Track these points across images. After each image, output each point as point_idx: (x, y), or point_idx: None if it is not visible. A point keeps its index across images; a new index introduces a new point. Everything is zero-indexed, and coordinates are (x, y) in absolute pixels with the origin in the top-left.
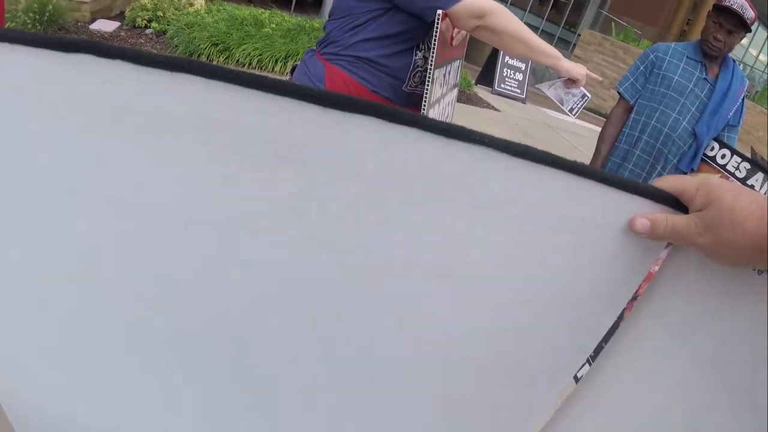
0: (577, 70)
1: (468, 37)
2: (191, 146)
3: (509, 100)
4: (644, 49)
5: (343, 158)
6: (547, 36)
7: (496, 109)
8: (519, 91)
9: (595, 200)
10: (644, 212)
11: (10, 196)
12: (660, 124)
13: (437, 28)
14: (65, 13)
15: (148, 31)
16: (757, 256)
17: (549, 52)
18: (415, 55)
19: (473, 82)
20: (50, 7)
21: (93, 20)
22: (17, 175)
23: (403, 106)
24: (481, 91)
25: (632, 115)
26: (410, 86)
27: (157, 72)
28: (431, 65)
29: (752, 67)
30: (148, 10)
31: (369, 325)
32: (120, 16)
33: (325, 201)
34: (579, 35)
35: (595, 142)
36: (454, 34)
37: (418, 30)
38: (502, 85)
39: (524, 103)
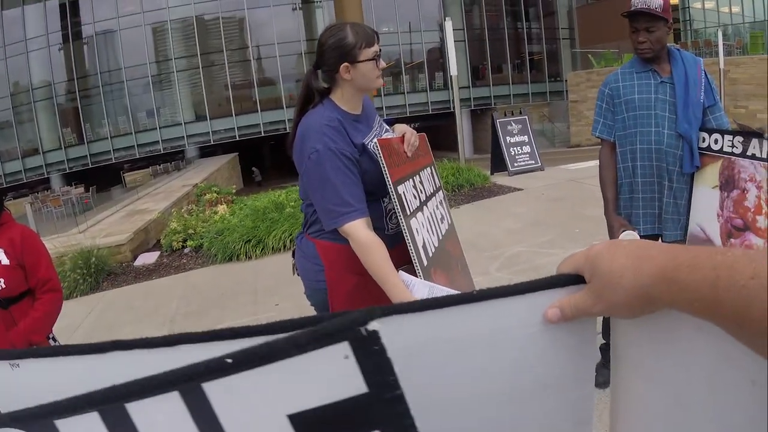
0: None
1: (426, 142)
2: None
3: (528, 173)
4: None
5: None
6: (539, 96)
7: (519, 189)
8: (533, 161)
9: (513, 312)
10: (553, 301)
11: None
12: (645, 144)
13: (380, 155)
14: (108, 259)
15: (186, 250)
16: (647, 305)
17: (389, 286)
18: (383, 203)
19: (488, 174)
20: (93, 258)
21: (135, 257)
22: None
23: (392, 248)
24: (499, 178)
25: (618, 150)
26: (391, 229)
27: None
28: (389, 184)
29: (731, 24)
30: (179, 232)
31: None
32: (157, 245)
33: None
34: (566, 81)
35: None
36: (406, 149)
37: (370, 185)
38: (515, 164)
39: (543, 170)
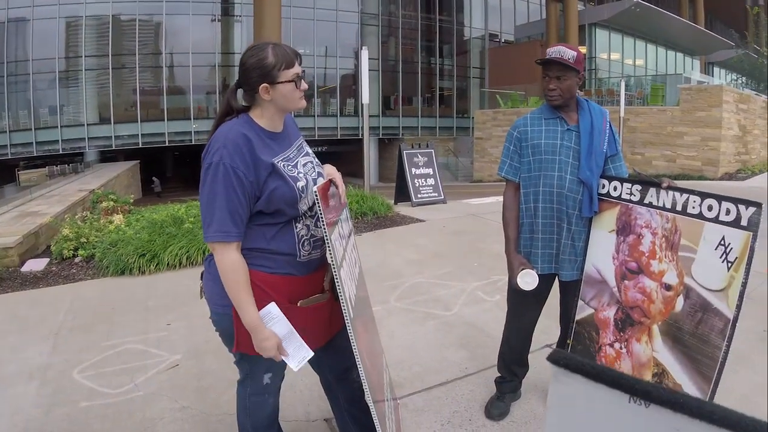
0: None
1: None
2: None
3: (431, 205)
4: (533, 106)
5: None
6: (447, 130)
7: (421, 220)
8: (436, 194)
9: None
10: None
11: None
12: (548, 188)
13: (319, 204)
14: None
15: (77, 259)
16: None
17: (242, 312)
18: (296, 228)
19: (392, 203)
20: None
21: (22, 262)
22: None
23: (304, 275)
24: (403, 208)
25: (522, 191)
26: (304, 256)
27: None
28: (326, 235)
29: (634, 76)
30: (71, 240)
31: None
32: (47, 251)
33: None
34: (473, 118)
35: None
36: (329, 196)
37: (279, 204)
38: (419, 195)
39: (445, 203)
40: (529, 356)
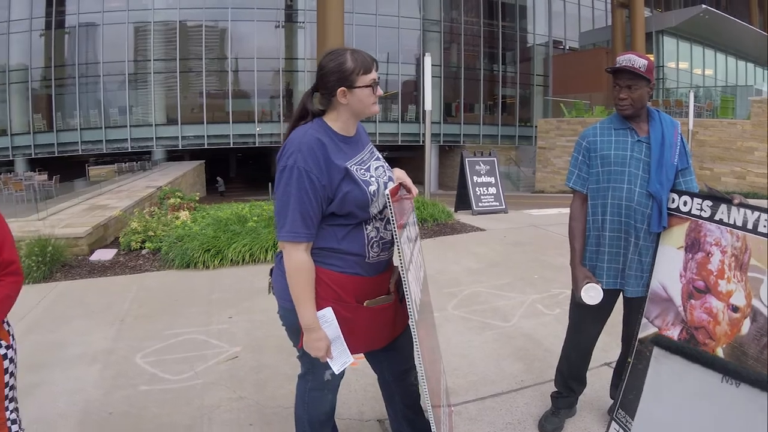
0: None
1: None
2: None
3: (491, 214)
4: (598, 116)
5: None
6: (508, 139)
7: (481, 229)
8: (497, 203)
9: None
10: None
11: None
12: (617, 200)
13: (391, 207)
14: (64, 250)
15: (143, 251)
16: None
17: (301, 311)
18: (366, 230)
19: (452, 210)
20: (50, 248)
21: (92, 252)
22: None
23: (372, 276)
24: (463, 216)
25: (589, 202)
26: (372, 257)
27: None
28: (396, 239)
29: (703, 86)
30: (139, 233)
31: None
32: (115, 243)
33: None
34: (536, 127)
35: None
36: (399, 199)
37: (350, 207)
38: (480, 204)
39: (506, 213)
40: (588, 373)
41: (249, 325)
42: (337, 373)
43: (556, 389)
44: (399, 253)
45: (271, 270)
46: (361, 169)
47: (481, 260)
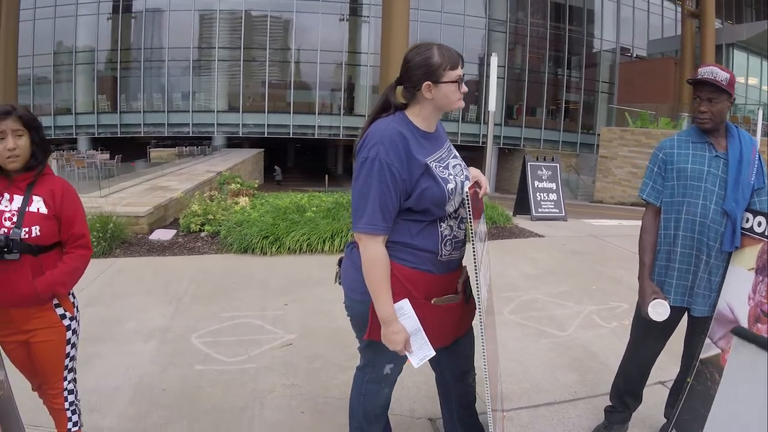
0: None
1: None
2: None
3: (550, 221)
4: (663, 127)
5: None
6: (569, 145)
7: (540, 235)
8: (557, 210)
9: None
10: None
11: None
12: (691, 216)
13: (469, 205)
14: (125, 228)
15: (202, 234)
16: None
17: (378, 304)
18: (440, 227)
19: (510, 214)
20: (111, 225)
21: (151, 231)
22: None
23: (443, 274)
24: (521, 221)
25: (662, 216)
26: (444, 255)
27: None
28: (472, 236)
29: None
30: (199, 216)
31: None
32: (174, 224)
33: None
34: (598, 135)
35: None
36: (481, 195)
37: (428, 204)
38: (539, 210)
39: (565, 221)
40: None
41: (304, 314)
42: (416, 366)
43: (611, 403)
44: (473, 251)
45: (340, 260)
46: (440, 166)
47: (539, 267)
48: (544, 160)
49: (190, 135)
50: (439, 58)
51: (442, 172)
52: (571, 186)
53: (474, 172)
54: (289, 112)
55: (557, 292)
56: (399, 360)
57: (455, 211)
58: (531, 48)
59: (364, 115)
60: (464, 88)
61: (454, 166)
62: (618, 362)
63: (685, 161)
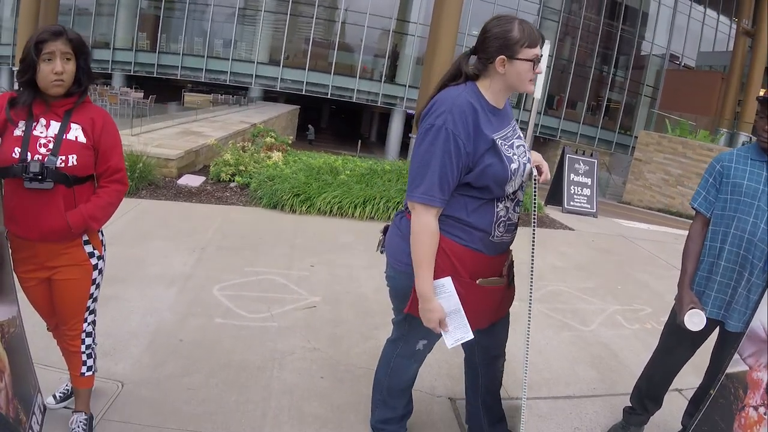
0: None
1: None
2: None
3: (581, 216)
4: (701, 140)
5: None
6: (605, 144)
7: (570, 228)
8: (589, 206)
9: None
10: None
11: None
12: (740, 231)
13: (536, 188)
14: (154, 169)
15: (232, 184)
16: None
17: (419, 278)
18: (497, 208)
19: (542, 203)
20: (140, 165)
21: (180, 175)
22: None
23: (492, 255)
24: (552, 212)
25: (710, 227)
26: (497, 236)
27: None
28: (534, 218)
29: None
30: (231, 165)
31: None
32: (204, 171)
33: None
34: (636, 137)
35: (672, 246)
36: (541, 180)
37: (489, 181)
38: (572, 203)
39: (596, 217)
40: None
41: (330, 278)
42: (449, 347)
43: (630, 405)
44: (533, 236)
45: (386, 228)
46: (506, 144)
47: (567, 260)
48: (583, 154)
49: (227, 84)
50: (519, 33)
51: (507, 150)
52: (602, 184)
53: (535, 156)
54: (330, 72)
55: (582, 287)
56: (433, 337)
57: (514, 192)
58: (581, 41)
59: (405, 85)
60: (538, 69)
61: (518, 147)
62: (637, 365)
63: (742, 177)
